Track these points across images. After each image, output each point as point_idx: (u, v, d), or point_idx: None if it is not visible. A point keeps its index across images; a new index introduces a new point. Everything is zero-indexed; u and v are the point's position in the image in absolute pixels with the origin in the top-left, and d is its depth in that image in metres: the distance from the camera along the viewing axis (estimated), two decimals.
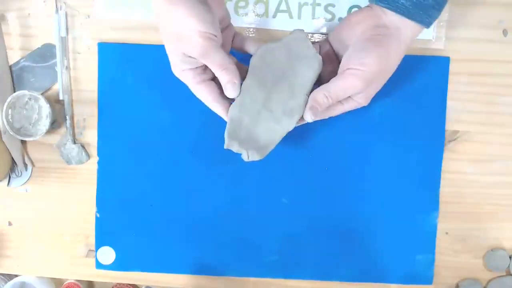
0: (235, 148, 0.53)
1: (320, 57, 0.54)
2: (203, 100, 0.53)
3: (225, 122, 0.53)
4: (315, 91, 0.53)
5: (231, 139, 0.53)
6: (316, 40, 0.63)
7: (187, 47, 0.49)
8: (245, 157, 0.54)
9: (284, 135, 0.54)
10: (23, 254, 0.67)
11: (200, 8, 0.47)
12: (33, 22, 0.63)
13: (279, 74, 0.54)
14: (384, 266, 0.65)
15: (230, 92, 0.52)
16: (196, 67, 0.51)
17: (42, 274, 0.68)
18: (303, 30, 0.55)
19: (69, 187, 0.65)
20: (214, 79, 0.53)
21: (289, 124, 0.54)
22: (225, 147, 0.53)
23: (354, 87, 0.51)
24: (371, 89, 0.53)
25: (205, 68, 0.52)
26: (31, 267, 0.67)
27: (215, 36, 0.49)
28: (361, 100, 0.54)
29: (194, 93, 0.53)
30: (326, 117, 0.55)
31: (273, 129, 0.54)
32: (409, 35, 0.52)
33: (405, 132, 0.63)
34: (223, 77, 0.51)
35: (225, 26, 0.54)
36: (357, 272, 0.65)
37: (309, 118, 0.53)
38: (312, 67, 0.54)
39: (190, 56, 0.49)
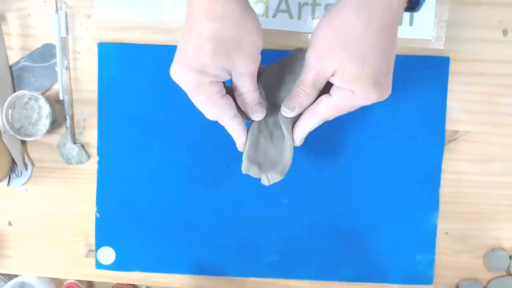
0: (253, 172, 0.52)
1: None
2: (222, 116, 0.49)
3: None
4: None
5: (250, 162, 0.52)
6: None
7: (246, 61, 0.45)
8: (265, 182, 0.52)
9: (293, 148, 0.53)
10: (23, 254, 0.67)
11: (260, 23, 0.45)
12: (33, 22, 0.63)
13: (285, 96, 0.52)
14: (384, 266, 0.65)
15: (258, 114, 0.50)
16: (217, 82, 0.47)
17: (42, 274, 0.68)
18: (303, 50, 0.53)
19: (69, 187, 0.65)
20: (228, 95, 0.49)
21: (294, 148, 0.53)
22: (243, 171, 0.52)
23: (308, 63, 0.47)
24: (345, 65, 0.45)
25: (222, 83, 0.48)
26: (31, 267, 0.67)
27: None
28: (345, 83, 0.46)
29: (216, 107, 0.48)
30: (330, 118, 0.51)
31: (285, 147, 0.53)
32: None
33: (405, 132, 0.63)
34: (253, 98, 0.49)
35: None
36: (357, 272, 0.65)
37: (285, 113, 0.50)
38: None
39: (228, 71, 0.46)
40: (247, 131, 0.52)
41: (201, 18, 0.43)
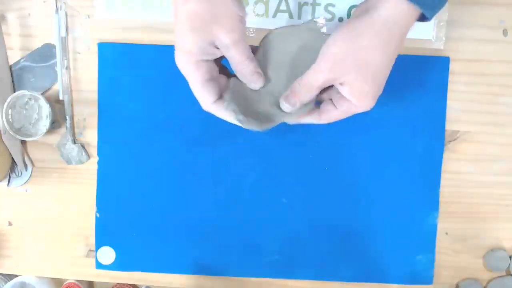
0: (232, 107, 0.48)
1: None
2: (204, 100, 0.49)
3: (228, 122, 0.51)
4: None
5: (232, 99, 0.49)
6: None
7: (225, 31, 0.45)
8: (242, 122, 0.49)
9: (283, 121, 0.52)
10: (23, 254, 0.67)
11: None
12: (33, 22, 0.63)
13: (287, 63, 0.52)
14: (384, 266, 0.65)
15: (256, 83, 0.50)
16: (210, 61, 0.48)
17: (42, 274, 0.68)
18: (317, 22, 0.52)
19: (69, 187, 0.65)
20: (217, 80, 0.50)
21: (289, 116, 0.52)
22: (224, 106, 0.49)
23: (320, 69, 0.48)
24: (356, 82, 0.47)
25: (214, 65, 0.49)
26: (31, 267, 0.67)
27: (245, 20, 0.47)
28: (351, 97, 0.48)
29: (196, 91, 0.49)
30: (324, 122, 0.52)
31: (274, 111, 0.51)
32: (389, 12, 0.45)
33: (405, 132, 0.63)
34: (248, 68, 0.48)
35: None
36: (357, 272, 0.65)
37: (284, 107, 0.50)
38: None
39: (214, 45, 0.46)
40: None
41: (179, 1, 0.46)
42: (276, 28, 0.52)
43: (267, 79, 0.51)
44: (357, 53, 0.46)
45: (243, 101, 0.50)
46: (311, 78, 0.49)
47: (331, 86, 0.50)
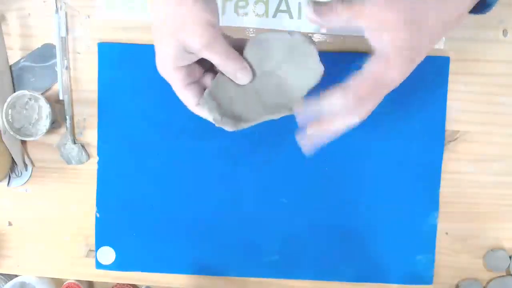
0: (209, 106, 0.48)
1: (323, 69, 0.49)
2: (187, 103, 0.50)
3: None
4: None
5: (210, 98, 0.48)
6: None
7: (193, 37, 0.45)
8: (217, 121, 0.48)
9: (265, 120, 0.51)
10: (23, 254, 0.67)
11: None
12: (33, 22, 0.63)
13: (271, 68, 0.50)
14: (384, 266, 0.65)
15: (242, 79, 0.49)
16: (189, 65, 0.48)
17: (42, 274, 0.68)
18: (301, 33, 0.49)
19: (69, 187, 0.65)
20: (199, 82, 0.50)
21: (272, 116, 0.50)
22: (200, 103, 0.48)
23: (375, 3, 0.42)
24: (402, 32, 0.42)
25: (194, 68, 0.49)
26: (31, 267, 0.67)
27: (217, 23, 0.46)
28: (389, 46, 0.43)
29: (179, 95, 0.49)
30: (351, 101, 0.45)
31: (256, 110, 0.50)
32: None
33: (405, 132, 0.63)
34: (230, 66, 0.48)
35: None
36: (357, 272, 0.65)
37: (310, 15, 0.44)
38: (309, 76, 0.49)
39: (187, 51, 0.46)
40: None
41: (152, 11, 0.47)
42: (263, 33, 0.50)
43: (254, 75, 0.50)
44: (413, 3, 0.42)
45: (227, 97, 0.50)
46: (355, 4, 0.43)
47: None
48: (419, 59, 0.45)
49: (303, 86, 0.50)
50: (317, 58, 0.49)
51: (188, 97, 0.49)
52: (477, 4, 0.45)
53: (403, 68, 0.44)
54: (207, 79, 0.50)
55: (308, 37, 0.49)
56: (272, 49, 0.50)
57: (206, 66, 0.50)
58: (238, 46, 0.49)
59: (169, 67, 0.48)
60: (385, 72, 0.44)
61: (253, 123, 0.50)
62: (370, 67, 0.44)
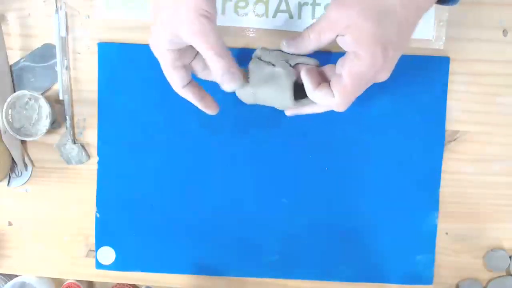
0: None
1: (292, 104, 0.53)
2: (173, 84, 0.51)
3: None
4: None
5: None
6: None
7: (182, 24, 0.45)
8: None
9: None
10: (23, 254, 0.67)
11: None
12: (33, 22, 0.63)
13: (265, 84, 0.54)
14: (384, 266, 0.65)
15: (227, 84, 0.47)
16: (180, 49, 0.48)
17: (42, 274, 0.68)
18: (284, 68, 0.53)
19: (69, 187, 0.65)
20: (187, 66, 0.51)
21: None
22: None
23: (325, 13, 0.46)
24: (362, 24, 0.44)
25: (185, 53, 0.49)
26: (31, 267, 0.67)
27: (212, 15, 0.46)
28: (356, 44, 0.45)
29: (166, 76, 0.51)
30: (338, 99, 0.48)
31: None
32: None
33: (405, 132, 0.63)
34: (217, 65, 0.46)
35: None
36: (357, 272, 0.65)
37: (284, 47, 0.51)
38: (283, 104, 0.54)
39: (179, 37, 0.46)
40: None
41: None
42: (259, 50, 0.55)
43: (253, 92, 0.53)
44: (368, 15, 0.44)
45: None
46: (315, 23, 0.47)
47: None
48: (396, 45, 0.45)
49: (281, 105, 0.55)
50: (290, 93, 0.52)
51: (175, 79, 0.50)
52: None
53: (377, 58, 0.45)
54: (196, 64, 0.52)
55: (289, 71, 0.53)
56: (259, 69, 0.54)
57: (196, 51, 0.50)
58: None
59: (162, 48, 0.48)
60: (360, 67, 0.46)
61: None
62: (346, 69, 0.46)
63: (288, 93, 0.52)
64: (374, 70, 0.46)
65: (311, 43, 0.49)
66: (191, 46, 0.48)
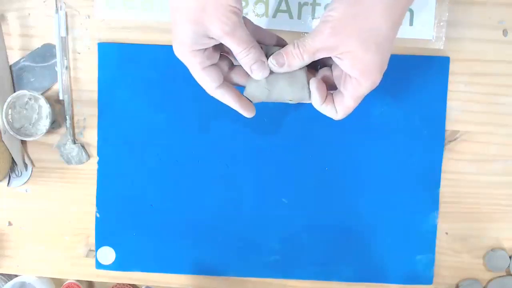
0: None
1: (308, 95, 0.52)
2: (205, 87, 0.49)
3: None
4: None
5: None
6: None
7: (211, 22, 0.44)
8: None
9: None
10: (23, 254, 0.67)
11: None
12: (33, 22, 0.63)
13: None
14: (384, 266, 0.65)
15: (258, 73, 0.48)
16: (206, 49, 0.47)
17: (42, 274, 0.68)
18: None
19: (69, 187, 0.65)
20: (217, 64, 0.49)
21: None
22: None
23: (318, 33, 0.46)
24: (358, 51, 0.45)
25: (213, 51, 0.48)
26: (31, 267, 0.67)
27: (240, 10, 0.45)
28: (353, 70, 0.46)
29: (197, 79, 0.49)
30: (340, 115, 0.50)
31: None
32: None
33: (405, 132, 0.63)
34: (249, 57, 0.47)
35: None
36: (357, 272, 0.65)
37: (271, 64, 0.48)
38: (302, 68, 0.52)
39: (207, 36, 0.45)
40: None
41: None
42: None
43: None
44: (358, 18, 0.44)
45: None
46: (307, 41, 0.47)
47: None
48: (388, 59, 0.47)
49: (297, 98, 0.52)
50: (306, 84, 0.50)
51: (206, 81, 0.48)
52: None
53: (377, 81, 0.47)
54: (223, 63, 0.50)
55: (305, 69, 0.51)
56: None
57: (223, 48, 0.50)
58: (258, 34, 0.50)
59: (187, 51, 0.47)
60: (363, 91, 0.47)
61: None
62: (349, 92, 0.48)
63: (303, 84, 0.50)
64: (373, 87, 0.48)
65: (304, 62, 0.48)
66: (217, 44, 0.47)
